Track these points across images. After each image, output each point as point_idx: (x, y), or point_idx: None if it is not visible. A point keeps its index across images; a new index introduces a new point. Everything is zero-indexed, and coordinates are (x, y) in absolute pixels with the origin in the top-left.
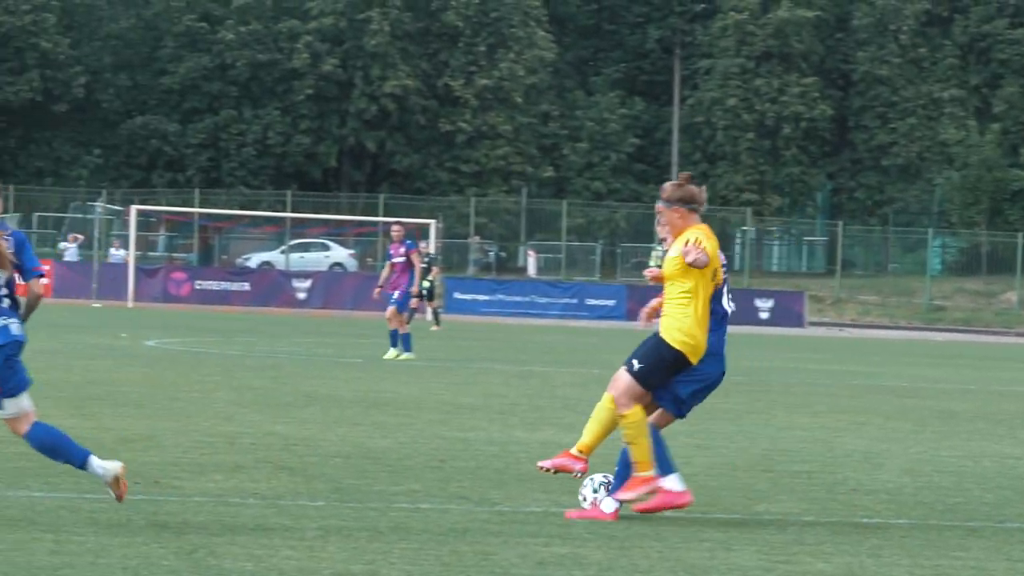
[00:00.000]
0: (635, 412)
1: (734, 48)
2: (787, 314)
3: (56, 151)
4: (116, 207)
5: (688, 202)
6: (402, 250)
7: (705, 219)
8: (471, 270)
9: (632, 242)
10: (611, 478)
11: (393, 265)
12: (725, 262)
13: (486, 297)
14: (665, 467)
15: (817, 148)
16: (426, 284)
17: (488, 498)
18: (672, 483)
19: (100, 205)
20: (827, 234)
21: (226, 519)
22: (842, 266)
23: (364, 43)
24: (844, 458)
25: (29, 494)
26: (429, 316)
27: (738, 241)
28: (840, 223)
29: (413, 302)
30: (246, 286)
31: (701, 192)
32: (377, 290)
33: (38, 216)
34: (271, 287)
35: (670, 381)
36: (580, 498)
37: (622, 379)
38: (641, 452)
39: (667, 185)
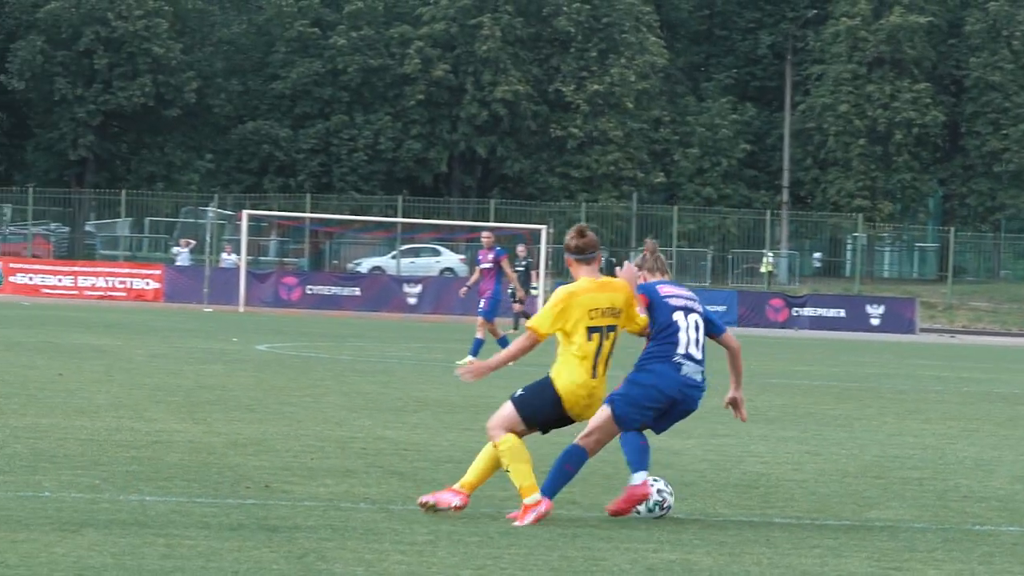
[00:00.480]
0: (507, 439)
1: (846, 54)
2: (898, 320)
3: (168, 156)
4: (228, 212)
5: (572, 251)
6: (491, 256)
7: (816, 225)
8: None
9: (743, 248)
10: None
11: (482, 271)
12: (687, 302)
13: None
14: (637, 465)
15: (929, 154)
16: (534, 292)
17: (598, 503)
18: (636, 479)
19: (212, 210)
20: (938, 240)
21: (336, 523)
22: (953, 272)
23: (475, 48)
24: (955, 465)
25: (141, 498)
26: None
27: (849, 247)
28: (952, 229)
29: (516, 306)
30: (357, 291)
31: (572, 239)
32: (464, 289)
33: (150, 221)
34: (382, 292)
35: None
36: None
37: (503, 407)
38: (521, 477)
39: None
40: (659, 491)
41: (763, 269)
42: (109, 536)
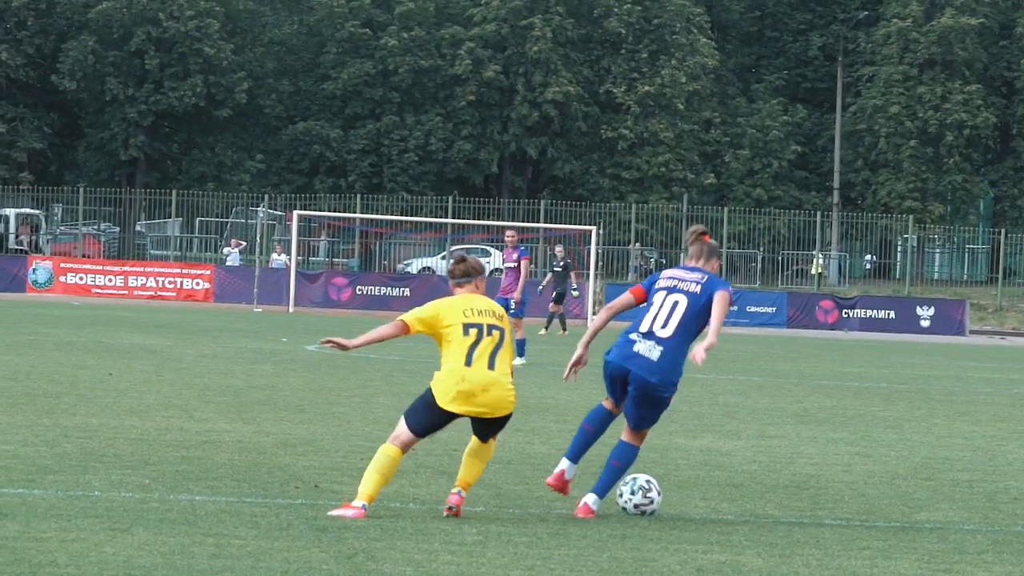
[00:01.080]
0: (387, 448)
1: (897, 55)
2: (948, 322)
3: (219, 156)
4: (278, 212)
5: (452, 276)
6: (514, 256)
7: (867, 227)
8: (631, 277)
9: (793, 249)
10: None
11: (506, 271)
12: (676, 282)
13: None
14: (573, 454)
15: (980, 156)
16: (574, 293)
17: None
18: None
19: (262, 210)
20: (989, 242)
21: (386, 524)
22: (1004, 274)
23: (526, 49)
24: (1006, 467)
25: (191, 498)
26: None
27: (900, 249)
28: (1002, 231)
29: (551, 306)
30: (407, 291)
31: (455, 267)
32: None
33: (200, 221)
34: (432, 292)
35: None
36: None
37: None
38: (370, 484)
39: None
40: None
41: (813, 271)
42: (159, 535)
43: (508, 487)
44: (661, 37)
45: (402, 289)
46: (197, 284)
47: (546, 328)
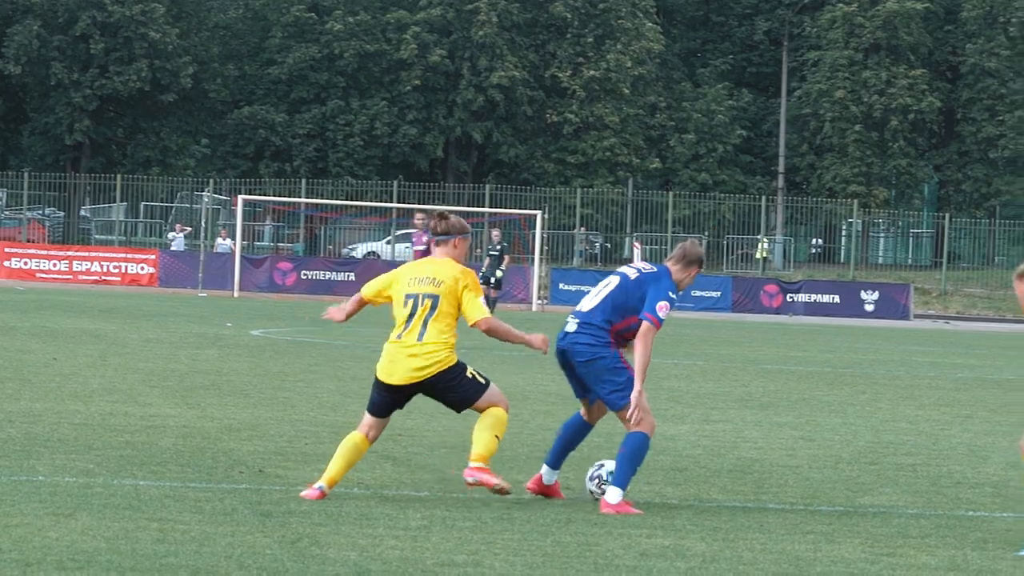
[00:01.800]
0: (352, 434)
1: (842, 40)
2: (893, 306)
3: (164, 141)
4: (223, 197)
5: (433, 234)
6: (425, 239)
7: (812, 211)
8: (576, 261)
9: (738, 234)
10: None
11: (416, 254)
12: (622, 269)
13: (591, 288)
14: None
15: (924, 140)
16: (499, 274)
17: (575, 487)
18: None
19: (207, 195)
20: (933, 226)
21: (330, 508)
22: (948, 259)
23: (472, 34)
24: (949, 451)
25: (135, 483)
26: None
27: (844, 233)
28: (947, 215)
29: (487, 290)
30: (351, 276)
31: (435, 223)
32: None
33: (145, 206)
34: (376, 277)
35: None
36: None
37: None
38: (332, 468)
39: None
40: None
41: (758, 255)
42: (103, 520)
43: (453, 472)
44: (607, 21)
45: (347, 274)
46: (142, 269)
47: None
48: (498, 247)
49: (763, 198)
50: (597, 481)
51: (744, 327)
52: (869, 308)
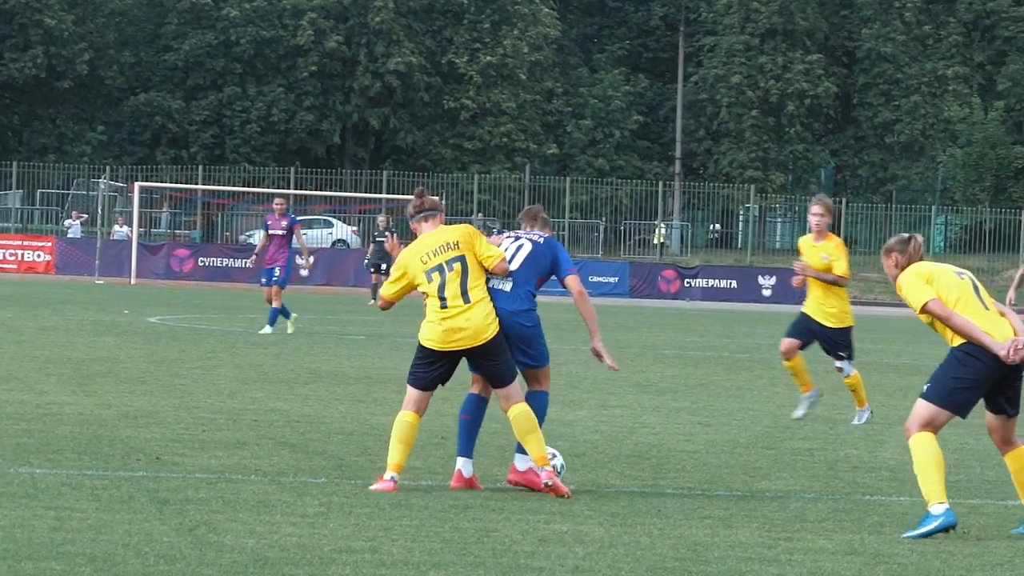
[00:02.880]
0: (402, 414)
1: (738, 25)
2: (790, 291)
3: (60, 128)
4: (119, 184)
5: (414, 214)
6: (283, 223)
7: (709, 196)
8: None
9: (635, 219)
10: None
11: (271, 238)
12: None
13: None
14: (464, 450)
15: (821, 125)
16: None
17: (490, 475)
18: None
19: (103, 182)
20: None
21: (228, 496)
22: (845, 243)
23: (368, 20)
24: (846, 435)
25: (31, 471)
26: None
27: (741, 218)
28: (843, 200)
29: (373, 277)
30: (249, 263)
31: (418, 202)
32: (253, 258)
33: (41, 193)
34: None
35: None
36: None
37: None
38: (395, 453)
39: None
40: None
41: (655, 240)
42: None
43: (351, 458)
44: (503, 7)
45: (244, 260)
46: (38, 256)
47: (373, 299)
48: (385, 233)
49: (660, 183)
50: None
51: (641, 312)
52: (767, 293)
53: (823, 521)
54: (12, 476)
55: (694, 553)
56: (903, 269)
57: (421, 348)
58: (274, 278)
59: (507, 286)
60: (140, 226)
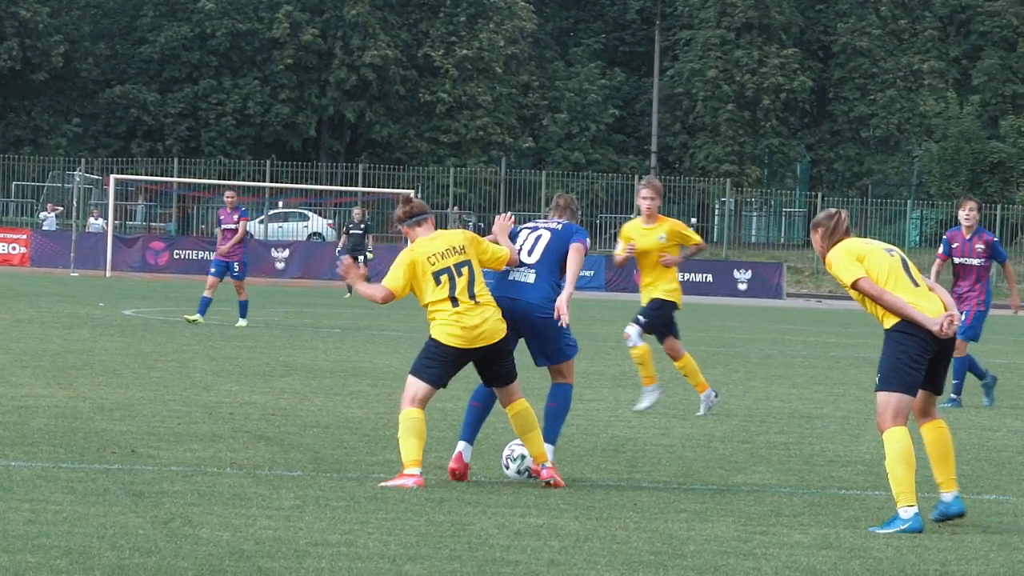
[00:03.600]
0: (408, 412)
1: (714, 19)
2: (765, 285)
3: (35, 120)
4: (95, 176)
5: (405, 219)
6: (235, 217)
7: (684, 190)
8: None
9: (611, 213)
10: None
11: (224, 232)
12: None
13: None
14: (468, 435)
15: (797, 119)
16: (369, 255)
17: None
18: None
19: (79, 174)
20: (806, 205)
21: (203, 489)
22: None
23: (344, 13)
24: (822, 429)
25: (6, 463)
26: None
27: (717, 212)
28: (819, 194)
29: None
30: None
31: (407, 208)
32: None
33: (16, 185)
34: (249, 257)
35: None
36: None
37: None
38: (412, 450)
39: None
40: (524, 456)
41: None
42: None
43: (326, 451)
44: (479, 0)
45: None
46: (13, 249)
47: (349, 292)
48: (361, 226)
49: (636, 177)
50: (520, 463)
51: (617, 306)
52: (742, 287)
53: (799, 515)
54: None
55: (669, 547)
56: (830, 244)
57: (441, 347)
58: (234, 273)
59: (530, 277)
60: (115, 219)
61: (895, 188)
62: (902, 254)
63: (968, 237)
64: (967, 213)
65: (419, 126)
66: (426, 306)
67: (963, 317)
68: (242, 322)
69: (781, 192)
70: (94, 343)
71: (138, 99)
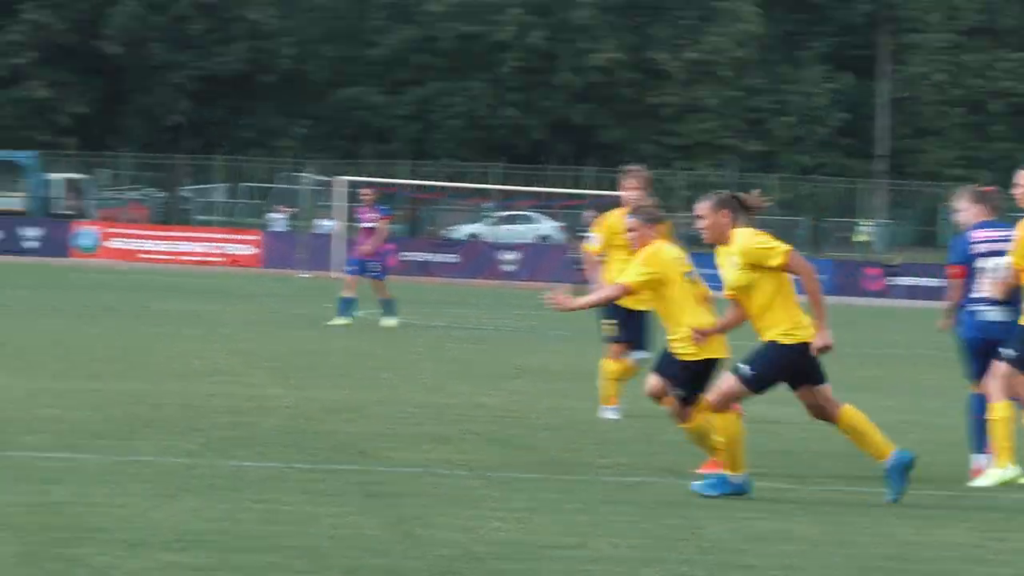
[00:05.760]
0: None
1: (942, 23)
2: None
3: (264, 122)
4: (323, 178)
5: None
6: (373, 215)
7: (912, 194)
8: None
9: (838, 216)
10: None
11: (364, 231)
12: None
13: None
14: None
15: None
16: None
17: (694, 473)
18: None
19: (307, 176)
20: None
21: (434, 490)
22: None
23: (571, 16)
24: None
25: (239, 464)
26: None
27: (944, 218)
28: None
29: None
30: (452, 258)
31: (648, 209)
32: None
33: (245, 187)
34: (479, 259)
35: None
36: None
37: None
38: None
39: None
40: None
41: (854, 238)
42: (207, 501)
43: (557, 454)
44: (706, 3)
45: (448, 255)
46: (245, 250)
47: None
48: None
49: (863, 181)
50: None
51: (846, 311)
52: None
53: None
54: (220, 469)
55: (903, 552)
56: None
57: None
58: (373, 272)
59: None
60: (346, 221)
61: None
62: None
63: None
64: None
65: (646, 129)
66: (673, 308)
67: None
68: (390, 321)
69: (1010, 196)
70: (323, 344)
71: (366, 101)
